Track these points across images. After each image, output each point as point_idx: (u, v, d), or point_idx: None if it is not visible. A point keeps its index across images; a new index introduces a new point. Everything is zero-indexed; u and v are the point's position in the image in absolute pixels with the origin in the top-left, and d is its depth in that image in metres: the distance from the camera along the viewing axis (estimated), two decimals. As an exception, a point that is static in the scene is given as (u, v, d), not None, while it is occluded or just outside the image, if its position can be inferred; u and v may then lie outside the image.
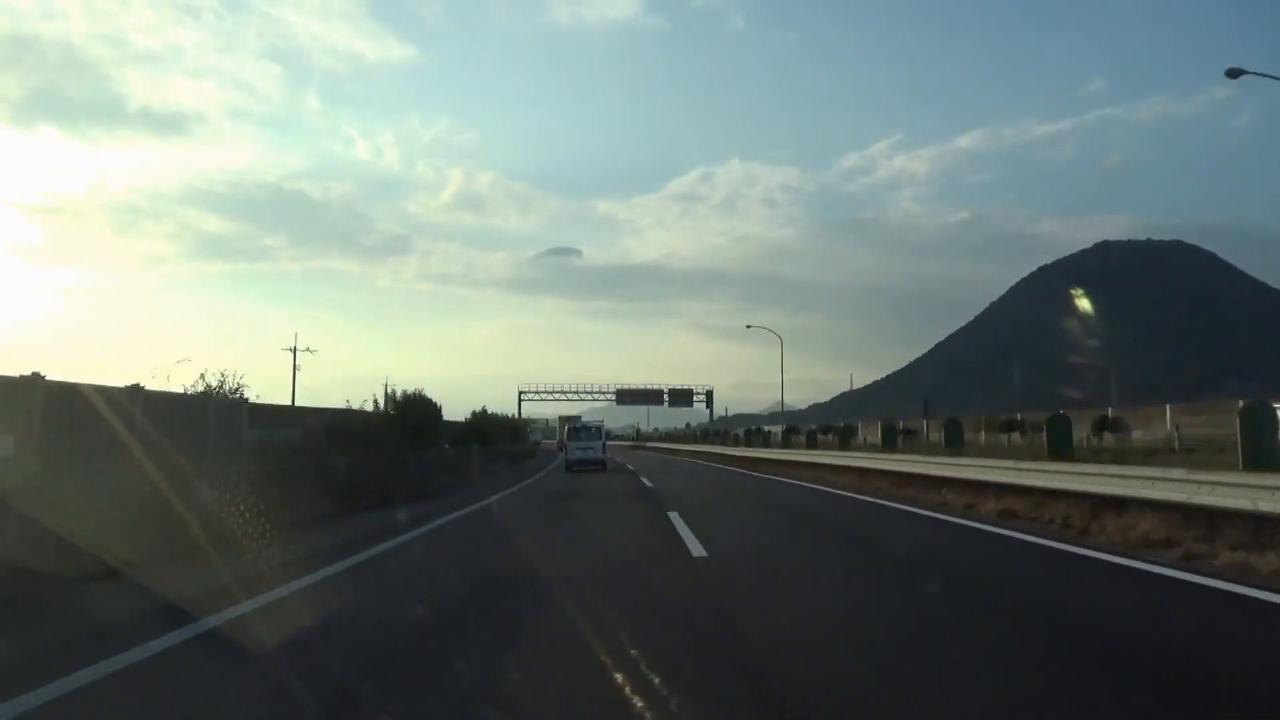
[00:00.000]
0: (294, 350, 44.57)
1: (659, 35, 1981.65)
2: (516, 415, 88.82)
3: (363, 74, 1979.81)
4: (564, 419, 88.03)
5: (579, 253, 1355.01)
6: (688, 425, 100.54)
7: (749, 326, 63.18)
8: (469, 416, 39.05)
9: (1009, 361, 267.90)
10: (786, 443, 46.34)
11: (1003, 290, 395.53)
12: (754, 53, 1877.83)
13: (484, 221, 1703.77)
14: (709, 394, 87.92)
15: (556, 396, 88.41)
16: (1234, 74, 22.35)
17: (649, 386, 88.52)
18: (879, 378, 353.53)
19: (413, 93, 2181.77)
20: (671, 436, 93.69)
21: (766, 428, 68.78)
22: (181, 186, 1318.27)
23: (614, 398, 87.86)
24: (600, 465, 34.53)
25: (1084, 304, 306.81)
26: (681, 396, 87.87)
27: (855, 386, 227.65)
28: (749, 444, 55.77)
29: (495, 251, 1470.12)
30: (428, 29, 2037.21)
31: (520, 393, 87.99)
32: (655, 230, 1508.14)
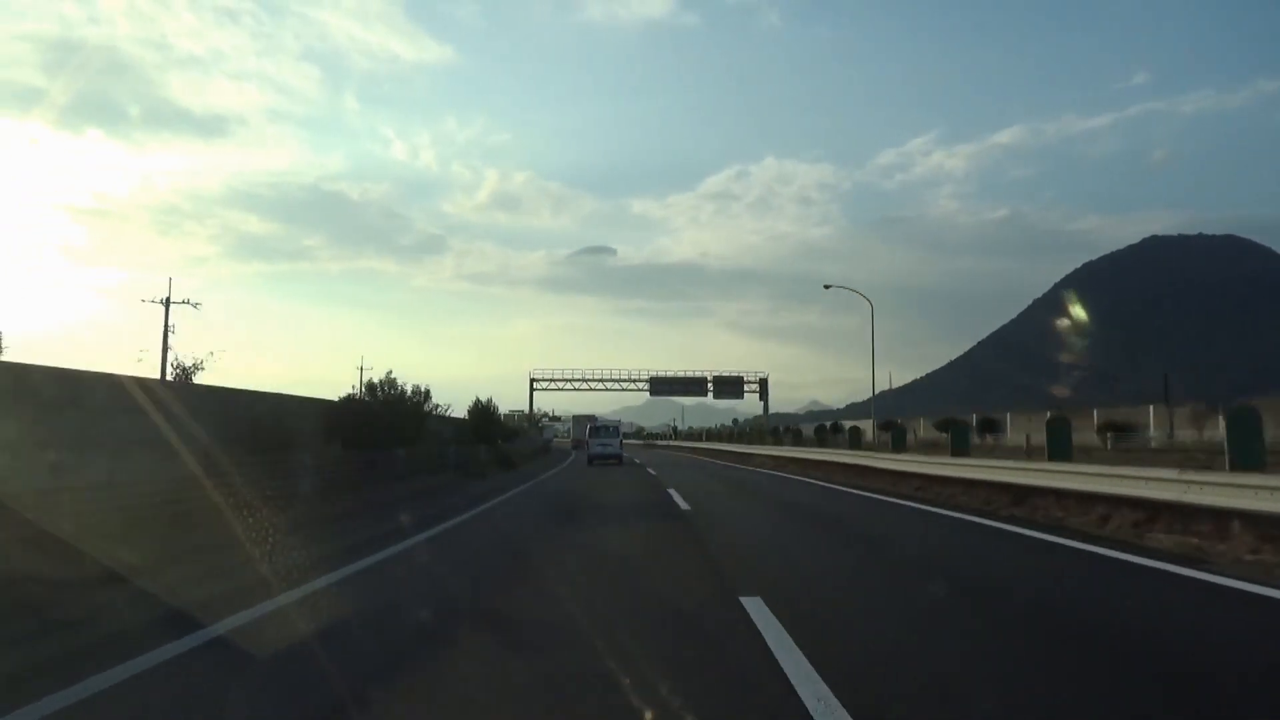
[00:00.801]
0: (166, 302, 29.93)
1: (693, 33, 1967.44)
2: (529, 409, 73.58)
3: (399, 75, 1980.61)
4: (578, 418, 76.65)
5: (613, 251, 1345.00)
6: (735, 421, 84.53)
7: (827, 287, 47.71)
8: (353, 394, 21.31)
9: (1053, 358, 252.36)
10: (900, 444, 31.14)
11: (1046, 287, 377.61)
12: (789, 49, 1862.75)
13: (519, 221, 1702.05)
14: (762, 383, 71.99)
15: (577, 385, 72.75)
16: None
17: (689, 374, 72.76)
18: (918, 376, 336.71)
19: (448, 93, 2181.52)
20: (717, 435, 77.79)
21: (847, 423, 52.94)
22: (223, 188, 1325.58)
23: (647, 387, 72.26)
24: (617, 459, 37.72)
25: (1130, 303, 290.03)
26: (729, 386, 72.00)
27: (894, 385, 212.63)
28: (820, 443, 40.71)
29: (530, 251, 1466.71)
30: (463, 29, 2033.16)
31: (532, 380, 72.40)
32: (689, 229, 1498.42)
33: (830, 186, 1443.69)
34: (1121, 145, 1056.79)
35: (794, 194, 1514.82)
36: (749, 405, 78.16)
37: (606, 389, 72.78)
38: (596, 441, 39.86)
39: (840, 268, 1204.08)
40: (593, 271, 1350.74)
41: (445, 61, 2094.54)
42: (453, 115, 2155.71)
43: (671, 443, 78.34)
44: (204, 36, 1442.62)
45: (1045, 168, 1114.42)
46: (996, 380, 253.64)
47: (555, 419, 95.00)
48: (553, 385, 72.74)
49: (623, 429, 51.99)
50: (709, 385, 72.10)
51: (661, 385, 71.98)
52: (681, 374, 72.63)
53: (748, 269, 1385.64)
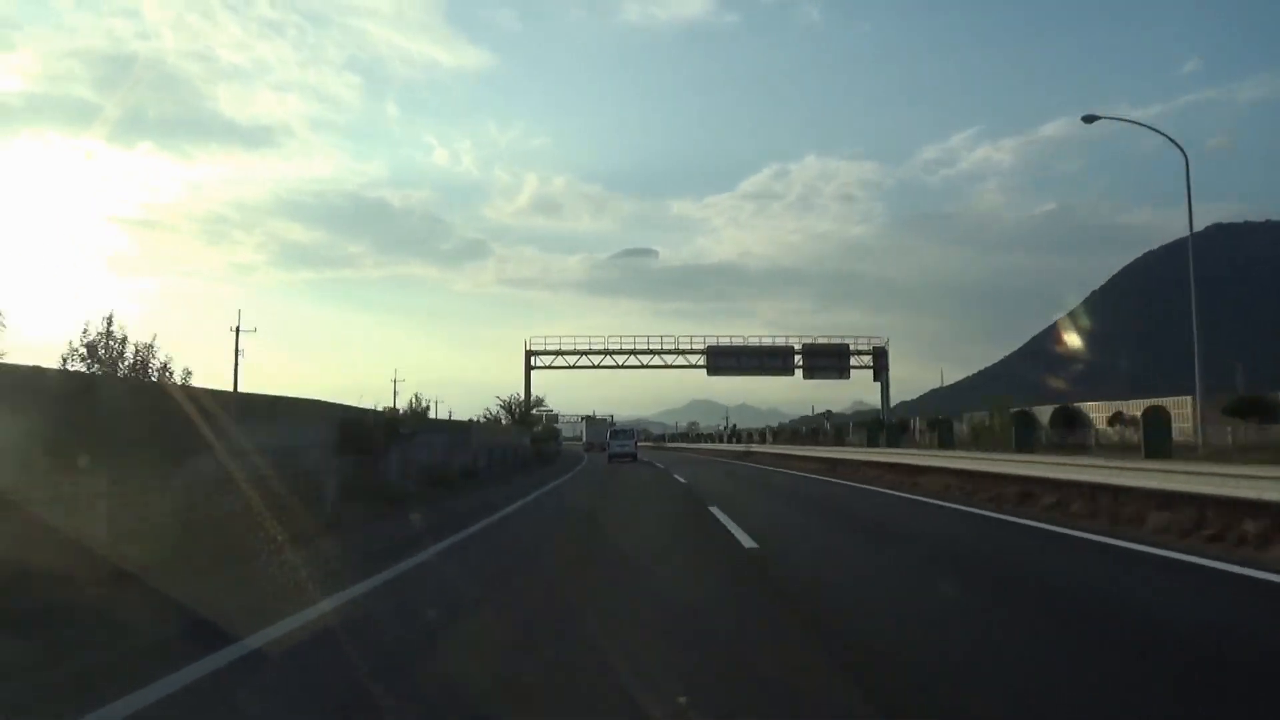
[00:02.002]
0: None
1: (732, 31, 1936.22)
2: (524, 396, 49.28)
3: (439, 81, 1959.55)
4: (591, 421, 77.04)
5: (654, 253, 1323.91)
6: (829, 414, 59.39)
7: (1088, 119, 24.62)
8: None
9: (1116, 352, 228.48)
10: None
11: (1103, 279, 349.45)
12: (829, 45, 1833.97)
13: (559, 224, 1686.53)
14: (879, 354, 47.26)
15: (597, 360, 48.40)
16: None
17: (767, 342, 48.24)
18: (971, 374, 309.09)
19: (488, 98, 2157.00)
20: (803, 437, 53.02)
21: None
22: (269, 198, 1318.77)
23: (703, 364, 47.86)
24: (633, 457, 44.17)
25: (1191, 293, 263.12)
26: (829, 359, 47.38)
27: (946, 383, 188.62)
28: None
29: (570, 255, 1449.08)
30: (501, 33, 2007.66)
31: (529, 353, 48.01)
32: (729, 229, 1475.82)
33: (873, 184, 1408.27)
34: (1174, 135, 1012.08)
35: (835, 192, 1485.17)
36: (792, 403, 53.55)
37: (642, 365, 48.29)
38: (616, 443, 47.51)
39: (884, 265, 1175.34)
40: (633, 274, 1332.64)
41: (484, 66, 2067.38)
42: (492, 120, 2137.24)
43: (753, 449, 48.75)
44: (249, 48, 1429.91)
45: (1094, 159, 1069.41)
46: (1060, 372, 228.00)
47: (605, 420, 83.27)
48: (559, 362, 48.42)
49: (638, 431, 70.27)
50: (796, 359, 47.52)
51: (725, 360, 47.64)
52: (755, 342, 48.09)
53: (789, 268, 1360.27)
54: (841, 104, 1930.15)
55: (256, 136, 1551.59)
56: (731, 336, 48.64)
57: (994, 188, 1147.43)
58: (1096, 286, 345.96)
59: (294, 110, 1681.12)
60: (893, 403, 50.32)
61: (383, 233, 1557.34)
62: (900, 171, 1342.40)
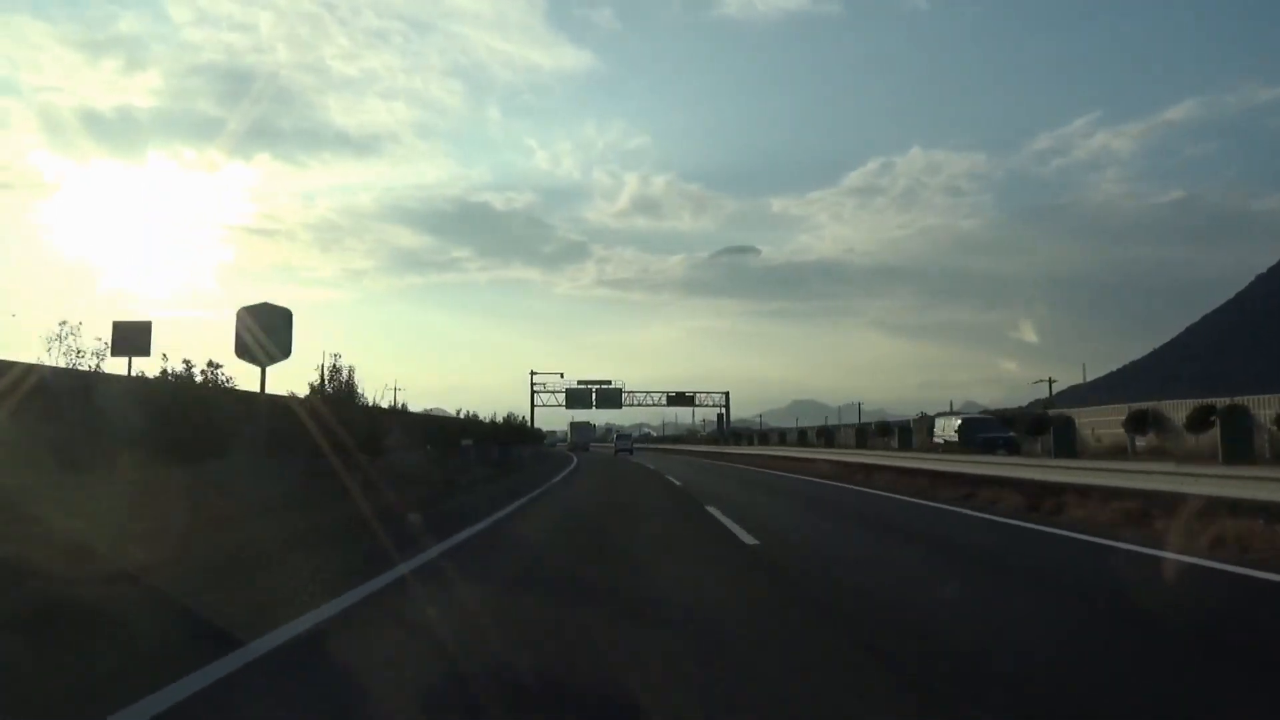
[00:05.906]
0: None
1: (833, 21, 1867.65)
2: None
3: (539, 84, 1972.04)
4: (575, 424, 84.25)
5: (755, 250, 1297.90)
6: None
7: None
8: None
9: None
10: None
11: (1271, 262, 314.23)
12: (936, 32, 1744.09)
13: (659, 225, 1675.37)
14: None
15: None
16: None
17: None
18: (1114, 369, 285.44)
19: (588, 99, 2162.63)
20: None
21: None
22: (376, 204, 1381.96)
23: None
24: (629, 452, 63.76)
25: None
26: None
27: (1088, 378, 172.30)
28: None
29: (670, 255, 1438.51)
30: (600, 33, 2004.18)
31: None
32: (832, 226, 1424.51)
33: (981, 176, 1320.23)
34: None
35: (942, 185, 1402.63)
36: (896, 404, 51.49)
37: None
38: (620, 443, 73.56)
39: (994, 260, 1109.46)
40: (733, 273, 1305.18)
41: (583, 67, 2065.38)
42: (592, 121, 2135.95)
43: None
44: (357, 58, 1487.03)
45: (1225, 144, 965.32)
46: (1227, 367, 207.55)
47: (586, 423, 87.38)
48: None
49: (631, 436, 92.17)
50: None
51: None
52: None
53: (894, 265, 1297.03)
54: (947, 93, 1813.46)
55: (365, 145, 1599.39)
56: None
57: (1114, 176, 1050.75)
58: (1263, 270, 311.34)
59: (400, 118, 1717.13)
60: (1027, 400, 47.57)
61: (487, 236, 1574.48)
62: (1010, 162, 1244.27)
